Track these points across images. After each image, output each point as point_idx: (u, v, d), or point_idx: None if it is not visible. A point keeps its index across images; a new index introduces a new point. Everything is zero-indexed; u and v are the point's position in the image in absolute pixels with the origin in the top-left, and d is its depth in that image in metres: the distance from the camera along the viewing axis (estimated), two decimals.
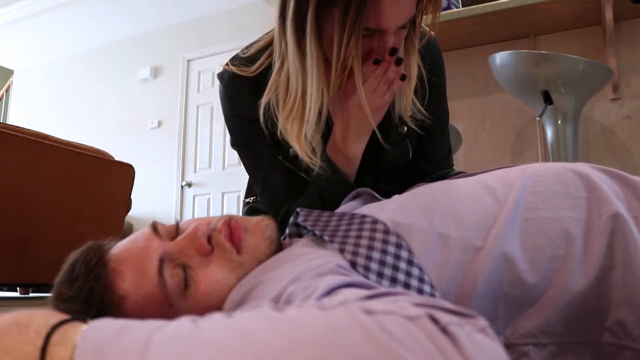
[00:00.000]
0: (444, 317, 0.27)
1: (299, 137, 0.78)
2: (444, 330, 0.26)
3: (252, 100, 0.85)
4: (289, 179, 0.89)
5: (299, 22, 0.72)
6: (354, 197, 0.76)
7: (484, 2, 2.02)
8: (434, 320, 0.27)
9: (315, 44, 0.71)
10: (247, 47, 0.90)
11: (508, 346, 0.51)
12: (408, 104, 0.84)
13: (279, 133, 0.81)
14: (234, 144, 0.94)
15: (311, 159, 0.79)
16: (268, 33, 0.88)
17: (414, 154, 0.93)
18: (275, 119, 0.82)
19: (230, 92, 0.88)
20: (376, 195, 0.73)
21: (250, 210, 1.05)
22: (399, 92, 0.82)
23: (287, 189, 0.90)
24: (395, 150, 0.88)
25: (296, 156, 0.83)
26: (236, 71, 0.85)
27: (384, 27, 0.70)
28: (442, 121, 0.96)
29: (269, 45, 0.86)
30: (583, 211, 0.54)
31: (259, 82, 0.84)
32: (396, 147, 0.88)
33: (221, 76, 0.89)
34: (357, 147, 0.83)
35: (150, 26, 4.75)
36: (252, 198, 1.05)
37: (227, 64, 0.88)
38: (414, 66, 0.82)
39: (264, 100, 0.82)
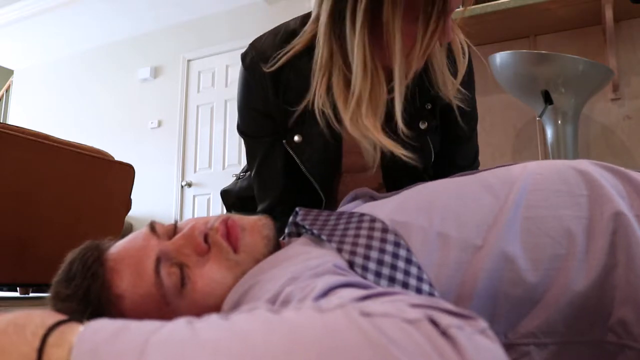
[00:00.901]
0: (444, 320, 0.27)
1: (377, 129, 0.77)
2: (444, 333, 0.26)
3: (271, 89, 0.85)
4: (281, 174, 0.93)
5: (374, 11, 0.70)
6: (353, 199, 0.76)
7: (484, 2, 2.01)
8: (434, 323, 0.26)
9: (400, 25, 0.70)
10: (270, 60, 0.85)
11: (509, 346, 0.51)
12: (448, 80, 0.83)
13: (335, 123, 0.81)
14: (240, 131, 0.95)
15: (396, 148, 0.78)
16: (292, 46, 0.85)
17: (441, 159, 0.93)
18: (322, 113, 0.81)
19: (250, 76, 0.88)
20: (375, 194, 0.72)
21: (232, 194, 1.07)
22: (439, 70, 0.82)
23: (276, 182, 0.93)
24: (414, 148, 0.85)
25: (300, 143, 0.87)
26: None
27: None
28: (471, 124, 0.95)
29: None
30: (584, 209, 0.54)
31: (280, 69, 0.84)
32: (412, 144, 0.85)
33: (244, 57, 0.89)
34: None
35: (150, 26, 4.75)
36: (241, 174, 1.06)
37: (252, 48, 0.88)
38: (457, 40, 0.82)
39: (318, 107, 0.80)
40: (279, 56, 0.84)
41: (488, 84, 2.21)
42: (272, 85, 0.85)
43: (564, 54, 1.74)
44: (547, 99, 1.78)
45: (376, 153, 0.84)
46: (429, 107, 0.88)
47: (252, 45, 0.89)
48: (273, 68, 0.84)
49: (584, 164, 0.59)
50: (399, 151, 0.78)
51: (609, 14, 1.90)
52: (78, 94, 5.11)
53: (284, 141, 0.90)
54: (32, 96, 5.44)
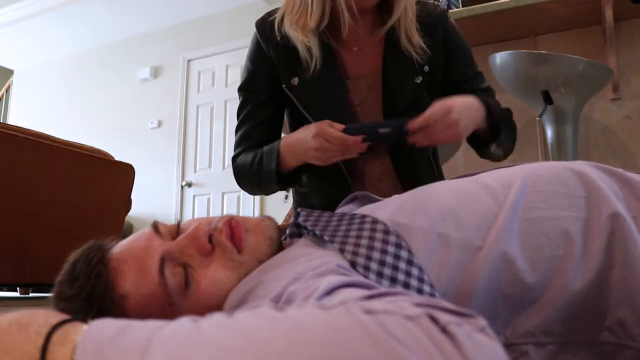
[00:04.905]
0: (444, 317, 0.27)
1: (304, 29, 0.93)
2: (444, 329, 0.26)
3: (279, 55, 0.98)
4: (259, 130, 1.02)
5: None
6: (351, 200, 0.76)
7: (484, 2, 2.02)
8: (434, 319, 0.27)
9: None
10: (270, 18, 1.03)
11: (508, 345, 0.51)
12: (414, 30, 0.95)
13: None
14: (239, 89, 1.06)
15: (309, 51, 0.95)
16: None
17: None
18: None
19: (258, 32, 1.02)
20: (373, 197, 0.73)
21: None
22: (403, 28, 0.95)
23: (253, 135, 1.02)
24: (412, 104, 0.97)
25: (297, 85, 0.97)
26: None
27: None
28: (474, 72, 1.06)
29: None
30: (582, 210, 0.54)
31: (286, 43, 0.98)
32: (410, 99, 0.97)
33: (259, 22, 1.03)
34: (294, 163, 0.93)
35: (151, 26, 4.75)
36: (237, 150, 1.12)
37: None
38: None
39: (278, 17, 0.98)
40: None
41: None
42: (278, 39, 0.98)
43: (564, 54, 1.74)
44: (547, 99, 1.78)
45: None
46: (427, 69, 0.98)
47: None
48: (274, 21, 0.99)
49: (581, 166, 0.59)
50: (307, 51, 0.95)
51: (609, 14, 1.90)
52: (78, 94, 5.11)
53: (283, 86, 0.99)
54: (32, 96, 5.44)
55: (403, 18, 0.94)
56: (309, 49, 0.95)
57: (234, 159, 1.05)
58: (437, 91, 1.00)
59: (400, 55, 0.96)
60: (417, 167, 1.02)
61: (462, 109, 0.84)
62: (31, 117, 5.21)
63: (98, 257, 0.55)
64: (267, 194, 1.04)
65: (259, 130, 1.02)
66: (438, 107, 0.82)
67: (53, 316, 0.33)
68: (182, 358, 0.27)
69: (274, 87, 1.01)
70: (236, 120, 1.06)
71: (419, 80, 0.96)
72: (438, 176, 1.08)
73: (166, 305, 0.54)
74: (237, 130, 1.06)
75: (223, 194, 4.21)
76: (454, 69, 1.01)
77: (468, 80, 1.03)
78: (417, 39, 0.95)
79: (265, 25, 1.01)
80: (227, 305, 0.52)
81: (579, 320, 0.51)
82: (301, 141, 0.88)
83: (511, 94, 2.02)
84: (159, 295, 0.53)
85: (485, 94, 1.03)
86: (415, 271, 0.49)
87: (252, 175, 0.98)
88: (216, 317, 0.30)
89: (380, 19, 0.96)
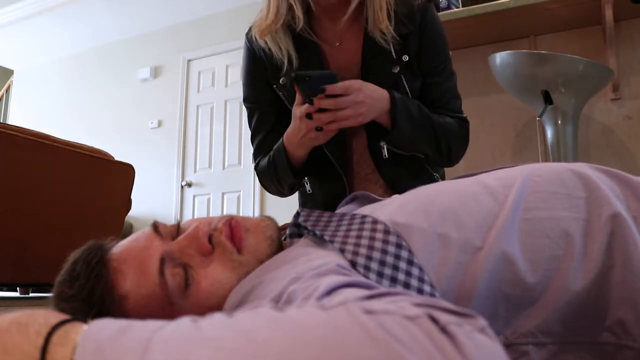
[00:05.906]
0: (444, 317, 0.27)
1: (269, 29, 0.98)
2: (444, 329, 0.26)
3: (267, 58, 1.02)
4: (272, 136, 1.05)
5: None
6: (351, 200, 0.77)
7: (484, 2, 2.02)
8: (434, 320, 0.27)
9: None
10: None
11: (508, 346, 0.51)
12: (383, 17, 0.95)
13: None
14: (243, 99, 1.12)
15: (281, 49, 1.00)
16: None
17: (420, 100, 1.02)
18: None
19: (248, 42, 1.07)
20: (374, 197, 0.73)
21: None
22: (371, 8, 0.95)
23: (268, 142, 1.05)
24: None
25: (285, 84, 1.01)
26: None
27: None
28: (443, 65, 1.04)
29: None
30: (582, 211, 0.54)
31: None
32: (389, 87, 0.96)
33: (247, 32, 1.08)
34: (299, 152, 0.96)
35: (150, 26, 4.75)
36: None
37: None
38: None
39: (255, 23, 1.02)
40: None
41: (488, 84, 2.22)
42: (268, 51, 1.02)
43: (564, 54, 1.74)
44: (547, 99, 1.78)
45: None
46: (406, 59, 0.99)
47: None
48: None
49: (581, 167, 0.59)
50: (278, 48, 1.00)
51: (609, 14, 1.90)
52: (78, 93, 5.11)
53: (274, 86, 1.03)
54: (32, 96, 5.44)
55: (370, 5, 0.94)
56: (280, 48, 0.99)
57: (255, 167, 1.10)
58: (418, 80, 1.01)
59: (378, 46, 0.97)
60: (405, 173, 1.01)
61: (369, 91, 0.88)
62: (31, 117, 5.21)
63: (98, 257, 0.55)
64: (291, 191, 1.07)
65: (271, 137, 1.05)
66: (353, 82, 0.86)
67: (53, 316, 0.33)
68: (182, 358, 0.27)
69: (273, 92, 1.04)
70: (238, 122, 1.10)
71: (396, 70, 0.98)
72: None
73: (166, 306, 0.54)
74: (252, 141, 1.11)
75: (223, 194, 4.22)
76: (422, 59, 1.01)
77: (432, 74, 1.02)
78: (385, 25, 0.94)
79: (250, 33, 1.05)
80: (227, 305, 0.52)
81: (579, 321, 0.51)
82: (296, 130, 0.92)
83: (511, 94, 2.02)
84: (158, 295, 0.53)
85: (448, 94, 1.04)
86: (415, 271, 0.49)
87: (271, 176, 1.03)
88: (216, 317, 0.30)
89: (360, 11, 0.98)
